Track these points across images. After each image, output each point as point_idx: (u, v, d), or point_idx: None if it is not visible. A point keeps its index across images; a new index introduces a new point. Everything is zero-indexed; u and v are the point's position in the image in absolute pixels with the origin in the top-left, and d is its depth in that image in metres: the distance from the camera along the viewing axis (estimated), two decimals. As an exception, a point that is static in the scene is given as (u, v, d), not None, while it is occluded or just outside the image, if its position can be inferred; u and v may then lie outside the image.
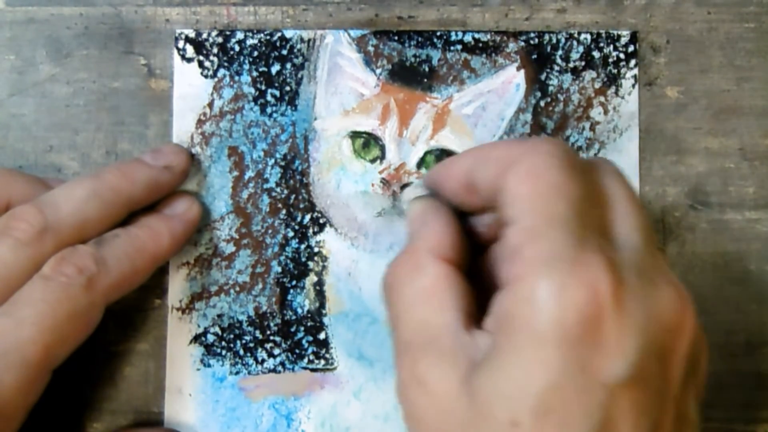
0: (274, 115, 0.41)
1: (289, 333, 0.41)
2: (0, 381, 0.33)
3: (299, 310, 0.41)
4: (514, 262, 0.28)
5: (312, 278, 0.41)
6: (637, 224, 0.31)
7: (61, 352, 0.35)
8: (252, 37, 0.41)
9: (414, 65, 0.41)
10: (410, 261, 0.32)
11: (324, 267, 0.41)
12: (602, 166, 0.33)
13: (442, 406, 0.29)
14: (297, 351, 0.41)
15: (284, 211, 0.41)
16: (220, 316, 0.41)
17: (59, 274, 0.35)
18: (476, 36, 0.41)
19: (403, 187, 0.41)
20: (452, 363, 0.29)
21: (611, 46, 0.41)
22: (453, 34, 0.41)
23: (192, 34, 0.41)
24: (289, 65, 0.41)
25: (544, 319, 0.27)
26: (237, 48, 0.41)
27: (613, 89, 0.41)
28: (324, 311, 0.41)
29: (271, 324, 0.41)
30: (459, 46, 0.41)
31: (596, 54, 0.41)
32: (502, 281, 0.29)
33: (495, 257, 0.34)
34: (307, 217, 0.41)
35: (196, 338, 0.41)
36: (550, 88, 0.41)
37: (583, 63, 0.41)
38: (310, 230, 0.41)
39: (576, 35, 0.41)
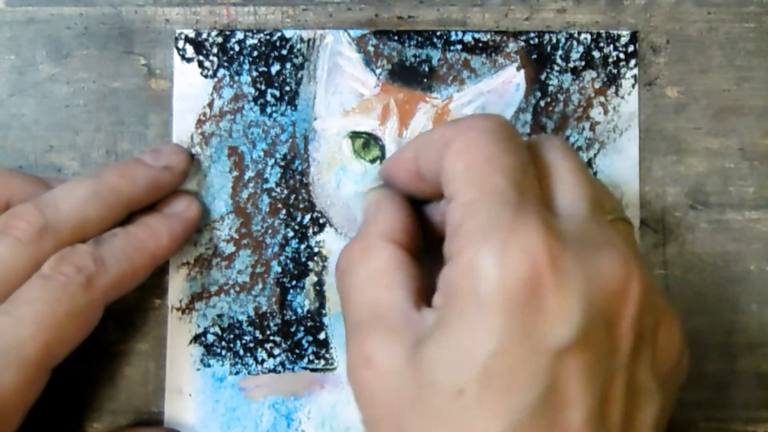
0: (274, 115, 0.41)
1: (289, 333, 0.41)
2: (0, 380, 0.33)
3: (299, 310, 0.41)
4: (456, 237, 0.29)
5: (312, 278, 0.41)
6: (581, 194, 0.31)
7: (60, 351, 0.35)
8: (252, 37, 0.41)
9: (414, 65, 0.41)
10: (361, 245, 0.33)
11: (324, 267, 0.41)
12: (545, 140, 0.33)
13: (390, 383, 0.29)
14: (297, 351, 0.41)
15: (284, 211, 0.41)
16: (220, 316, 0.41)
17: (58, 273, 0.35)
18: (476, 36, 0.41)
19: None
20: (399, 340, 0.29)
21: (611, 46, 0.41)
22: (453, 34, 0.41)
23: (192, 34, 0.41)
24: (289, 65, 0.41)
25: (485, 286, 0.27)
26: (237, 48, 0.41)
27: (613, 89, 0.41)
28: (324, 311, 0.41)
29: (271, 324, 0.41)
30: (459, 46, 0.41)
31: (596, 54, 0.41)
32: (446, 257, 0.29)
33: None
34: (307, 217, 0.41)
35: (196, 338, 0.41)
36: (550, 88, 0.41)
37: (583, 63, 0.41)
38: (310, 230, 0.41)
39: (576, 35, 0.41)
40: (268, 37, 0.41)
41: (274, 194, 0.41)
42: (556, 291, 0.27)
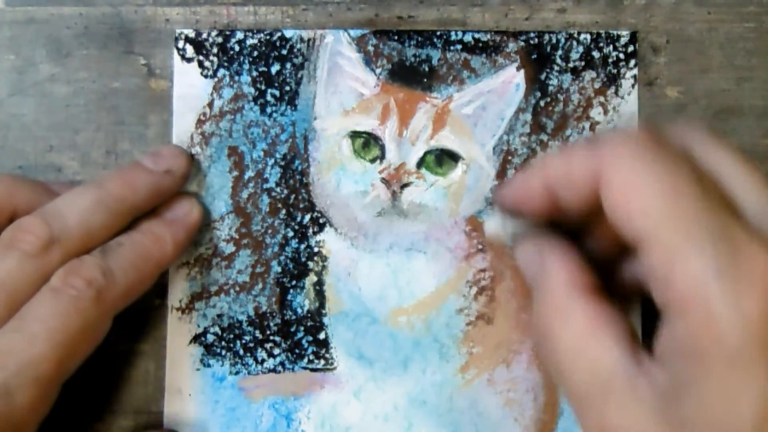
0: (274, 114, 0.41)
1: (288, 333, 0.41)
2: (14, 398, 0.33)
3: (299, 310, 0.41)
4: (669, 287, 0.26)
5: (312, 278, 0.41)
6: (754, 186, 0.28)
7: (72, 365, 0.36)
8: (252, 37, 0.41)
9: (414, 65, 0.41)
10: (553, 305, 0.30)
11: (324, 267, 0.41)
12: (688, 135, 0.30)
13: None
14: (297, 351, 0.41)
15: (284, 211, 0.41)
16: (219, 316, 0.41)
17: (68, 287, 0.35)
18: (476, 36, 0.41)
19: (403, 187, 0.41)
20: (640, 404, 0.27)
21: (611, 46, 0.41)
22: (453, 33, 0.41)
23: (192, 34, 0.41)
24: (288, 65, 0.41)
25: (733, 334, 0.25)
26: (237, 48, 0.41)
27: (612, 89, 0.41)
28: (324, 311, 0.41)
29: (271, 324, 0.41)
30: (459, 46, 0.41)
31: (596, 54, 0.41)
32: (660, 306, 0.27)
33: (628, 271, 0.32)
34: (307, 217, 0.41)
35: (196, 338, 0.41)
36: (550, 88, 0.41)
37: (582, 63, 0.41)
38: (310, 230, 0.41)
39: (576, 35, 0.41)
40: (268, 37, 0.41)
41: (274, 194, 0.41)
42: None
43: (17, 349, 0.34)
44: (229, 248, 0.41)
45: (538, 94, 0.41)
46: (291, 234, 0.41)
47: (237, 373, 0.41)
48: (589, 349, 0.29)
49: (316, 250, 0.41)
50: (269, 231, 0.41)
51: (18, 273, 0.35)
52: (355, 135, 0.41)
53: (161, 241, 0.38)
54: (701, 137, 0.30)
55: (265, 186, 0.41)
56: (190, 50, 0.41)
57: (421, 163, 0.41)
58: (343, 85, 0.41)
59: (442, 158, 0.41)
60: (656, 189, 0.27)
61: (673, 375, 0.27)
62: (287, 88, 0.41)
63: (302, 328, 0.41)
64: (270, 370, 0.41)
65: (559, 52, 0.41)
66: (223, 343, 0.41)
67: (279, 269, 0.41)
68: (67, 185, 0.40)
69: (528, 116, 0.41)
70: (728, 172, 0.28)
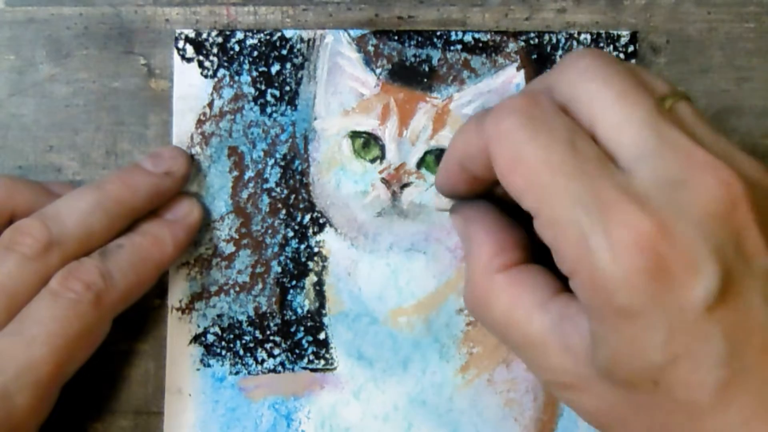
0: (274, 115, 0.41)
1: (288, 333, 0.41)
2: (13, 402, 0.33)
3: (299, 310, 0.41)
4: (556, 255, 0.28)
5: (312, 278, 0.41)
6: (630, 125, 0.28)
7: (71, 368, 0.36)
8: (252, 37, 0.41)
9: (414, 65, 0.41)
10: (474, 291, 0.32)
11: (324, 267, 0.41)
12: (561, 85, 0.31)
13: (594, 400, 0.29)
14: (297, 351, 0.41)
15: (284, 211, 0.41)
16: (219, 316, 0.41)
17: (67, 290, 0.35)
18: (476, 36, 0.41)
19: (403, 187, 0.41)
20: (571, 354, 0.29)
21: (611, 46, 0.41)
22: (453, 33, 0.41)
23: (192, 34, 0.41)
24: (288, 65, 0.41)
25: (619, 293, 0.26)
26: (237, 48, 0.41)
27: (613, 89, 0.41)
28: (324, 311, 0.41)
29: (271, 324, 0.41)
30: (459, 46, 0.41)
31: (596, 54, 0.41)
32: (565, 273, 0.29)
33: None
34: (307, 217, 0.41)
35: (196, 338, 0.41)
36: (550, 88, 0.41)
37: (583, 63, 0.41)
38: (310, 230, 0.41)
39: (576, 35, 0.41)
40: (268, 37, 0.41)
41: (274, 194, 0.41)
42: (678, 256, 0.26)
43: (16, 352, 0.34)
44: (229, 248, 0.41)
45: (538, 94, 0.41)
46: (291, 234, 0.41)
47: (237, 373, 0.41)
48: (517, 321, 0.31)
49: (316, 250, 0.41)
50: (269, 231, 0.41)
51: (17, 275, 0.35)
52: (355, 135, 0.41)
53: (161, 243, 0.38)
54: (575, 86, 0.30)
55: (265, 186, 0.41)
56: (190, 50, 0.41)
57: (421, 163, 0.41)
58: (343, 85, 0.41)
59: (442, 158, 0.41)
60: (534, 165, 0.28)
61: (589, 326, 0.28)
62: (287, 88, 0.41)
63: (302, 328, 0.41)
64: (270, 370, 0.41)
65: (560, 52, 0.41)
66: (223, 343, 0.41)
67: (279, 269, 0.41)
68: (67, 185, 0.40)
69: (528, 116, 0.41)
70: (602, 120, 0.29)
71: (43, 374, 0.34)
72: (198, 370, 0.41)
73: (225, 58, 0.41)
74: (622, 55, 0.41)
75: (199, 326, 0.41)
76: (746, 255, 0.27)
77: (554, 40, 0.41)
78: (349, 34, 0.41)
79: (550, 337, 0.30)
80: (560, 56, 0.41)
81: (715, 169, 0.27)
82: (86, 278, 0.35)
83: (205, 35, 0.41)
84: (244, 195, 0.41)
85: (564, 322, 0.29)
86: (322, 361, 0.41)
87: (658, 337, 0.26)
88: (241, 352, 0.41)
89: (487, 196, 0.35)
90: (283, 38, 0.41)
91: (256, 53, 0.41)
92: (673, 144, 0.28)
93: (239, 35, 0.41)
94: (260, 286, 0.41)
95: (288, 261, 0.41)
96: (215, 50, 0.41)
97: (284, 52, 0.41)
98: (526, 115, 0.29)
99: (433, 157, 0.41)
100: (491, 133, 0.30)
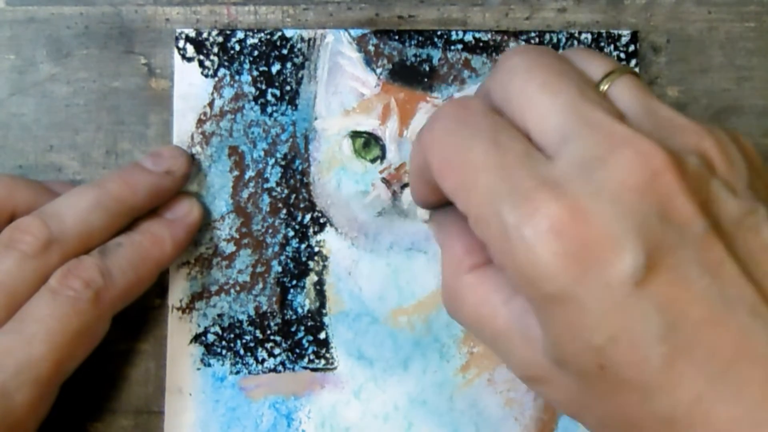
0: (275, 114, 0.41)
1: (289, 333, 0.41)
2: (12, 400, 0.33)
3: (299, 310, 0.41)
4: (490, 251, 0.28)
5: (312, 278, 0.41)
6: (553, 112, 0.28)
7: (70, 366, 0.36)
8: (252, 37, 0.41)
9: (414, 65, 0.41)
10: (447, 291, 0.33)
11: (324, 267, 0.41)
12: (493, 85, 0.31)
13: (556, 386, 0.29)
14: (297, 351, 0.41)
15: (284, 211, 0.41)
16: (220, 315, 0.41)
17: (66, 288, 0.35)
18: (477, 35, 0.41)
19: (404, 186, 0.41)
20: (532, 346, 0.29)
21: (611, 46, 0.41)
22: (453, 33, 0.41)
23: (192, 34, 0.41)
24: (289, 65, 0.41)
25: (544, 283, 0.26)
26: (237, 47, 0.41)
27: (613, 89, 0.41)
28: (324, 311, 0.41)
29: (272, 324, 0.41)
30: (459, 46, 0.41)
31: (597, 54, 0.41)
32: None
33: None
34: (308, 216, 0.41)
35: (197, 338, 0.41)
36: (551, 88, 0.41)
37: (583, 63, 0.41)
38: (311, 230, 0.41)
39: (576, 35, 0.41)
40: (268, 36, 0.41)
41: (274, 194, 0.41)
42: (597, 236, 0.26)
43: (16, 350, 0.34)
44: (230, 248, 0.41)
45: (539, 93, 0.41)
46: (291, 234, 0.41)
47: (237, 372, 0.41)
48: (485, 317, 0.31)
49: (316, 249, 0.41)
50: (270, 231, 0.41)
51: (17, 273, 0.35)
52: (355, 135, 0.41)
53: (160, 241, 0.38)
54: (504, 86, 0.30)
55: (265, 186, 0.41)
56: (190, 50, 0.41)
57: (421, 163, 0.41)
58: (344, 84, 0.41)
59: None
60: (457, 165, 0.29)
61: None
62: (288, 87, 0.41)
63: (303, 328, 0.41)
64: (270, 370, 0.41)
65: (560, 51, 0.41)
66: (224, 342, 0.41)
67: (279, 269, 0.41)
68: (68, 185, 0.40)
69: (528, 116, 0.41)
70: (529, 114, 0.29)
71: (42, 372, 0.34)
72: (198, 369, 0.41)
73: (225, 58, 0.41)
74: (622, 55, 0.41)
75: (199, 326, 0.41)
76: (676, 224, 0.26)
77: (555, 40, 0.41)
78: (349, 34, 0.41)
79: (514, 331, 0.30)
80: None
81: (632, 143, 0.27)
82: (85, 276, 0.35)
83: (205, 35, 0.41)
84: (245, 194, 0.41)
85: (525, 316, 0.29)
86: (323, 361, 0.41)
87: (592, 318, 0.26)
88: (242, 352, 0.41)
89: None
90: (283, 38, 0.41)
91: (256, 53, 0.41)
92: (594, 124, 0.27)
93: (240, 35, 0.41)
94: (261, 285, 0.41)
95: (288, 260, 0.41)
96: (216, 50, 0.41)
97: (285, 51, 0.41)
98: (453, 119, 0.30)
99: (433, 157, 0.41)
100: (424, 141, 0.30)
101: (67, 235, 0.36)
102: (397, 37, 0.41)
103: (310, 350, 0.41)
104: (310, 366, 0.41)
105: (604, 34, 0.41)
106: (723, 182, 0.27)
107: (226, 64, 0.41)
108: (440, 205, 0.34)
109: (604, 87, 0.30)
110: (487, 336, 0.31)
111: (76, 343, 0.35)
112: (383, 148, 0.41)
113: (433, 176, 0.30)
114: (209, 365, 0.41)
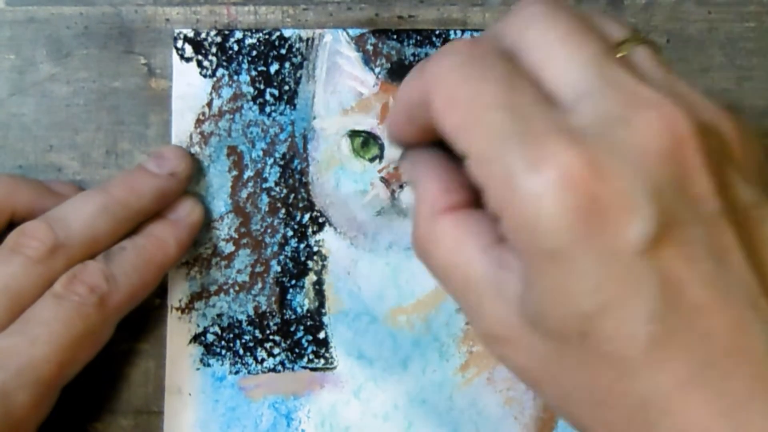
0: (273, 114, 0.41)
1: (288, 332, 0.41)
2: (14, 399, 0.33)
3: (299, 310, 0.41)
4: (487, 196, 0.27)
5: (311, 277, 0.41)
6: (573, 65, 0.27)
7: (73, 369, 0.36)
8: (251, 37, 0.41)
9: (413, 64, 0.41)
10: (419, 231, 0.31)
11: (323, 266, 0.41)
12: (498, 31, 0.29)
13: (524, 348, 0.27)
14: (297, 350, 0.41)
15: (283, 211, 0.41)
16: (219, 315, 0.41)
17: (71, 293, 0.35)
18: (475, 35, 0.41)
19: (403, 186, 0.41)
20: (505, 303, 0.27)
21: (611, 45, 0.41)
22: (452, 33, 0.41)
23: (191, 34, 0.41)
24: (287, 64, 0.41)
25: (548, 235, 0.25)
26: (236, 47, 0.41)
27: (612, 88, 0.41)
28: (323, 310, 0.41)
29: (271, 323, 0.41)
30: (458, 45, 0.41)
31: (595, 53, 0.41)
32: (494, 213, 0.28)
33: None
34: (307, 216, 0.41)
35: (196, 338, 0.41)
36: (549, 87, 0.41)
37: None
38: (310, 229, 0.41)
39: (575, 34, 0.41)
40: (266, 36, 0.41)
41: (273, 193, 0.41)
42: (611, 195, 0.24)
43: (18, 350, 0.34)
44: (229, 248, 0.41)
45: (538, 93, 0.41)
46: (290, 233, 0.41)
47: (237, 372, 0.41)
48: (458, 264, 0.29)
49: (315, 249, 0.41)
50: (269, 230, 0.41)
51: (22, 278, 0.35)
52: (354, 134, 0.41)
53: (164, 244, 0.38)
54: (520, 32, 0.29)
55: (264, 185, 0.41)
56: (189, 50, 0.41)
57: (420, 163, 0.41)
58: (342, 84, 0.41)
59: (442, 157, 0.41)
60: (467, 104, 0.27)
61: (519, 273, 0.27)
62: (286, 87, 0.41)
63: (302, 328, 0.41)
64: (270, 370, 0.41)
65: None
66: (223, 342, 0.41)
67: (278, 269, 0.41)
68: (68, 185, 0.40)
69: (527, 115, 0.41)
70: (546, 63, 0.27)
71: (44, 373, 0.34)
72: (198, 369, 0.41)
73: (224, 58, 0.41)
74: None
75: (198, 326, 0.41)
76: (691, 198, 0.25)
77: (554, 39, 0.41)
78: (347, 34, 0.41)
79: (486, 283, 0.28)
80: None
81: (660, 105, 0.25)
82: (90, 281, 0.35)
83: (203, 35, 0.41)
84: (244, 194, 0.41)
85: (502, 269, 0.28)
86: (322, 361, 0.41)
87: (588, 282, 0.24)
88: (241, 352, 0.41)
89: (437, 145, 0.33)
90: (282, 37, 0.41)
91: (255, 53, 0.41)
92: (618, 83, 0.26)
93: (238, 35, 0.41)
94: (260, 285, 0.41)
95: (287, 260, 0.41)
96: (214, 50, 0.41)
97: (283, 51, 0.41)
98: (465, 55, 0.28)
99: (432, 156, 0.41)
100: (429, 75, 0.28)
101: (73, 241, 0.36)
102: (395, 37, 0.41)
103: (309, 350, 0.41)
104: (310, 366, 0.41)
105: (603, 34, 0.41)
106: (738, 168, 0.26)
107: (224, 64, 0.41)
108: (416, 145, 0.33)
109: (624, 52, 0.28)
110: (457, 286, 0.29)
111: (79, 347, 0.35)
112: (382, 148, 0.41)
113: (430, 113, 0.28)
114: (209, 365, 0.41)
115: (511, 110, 0.26)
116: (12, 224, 0.37)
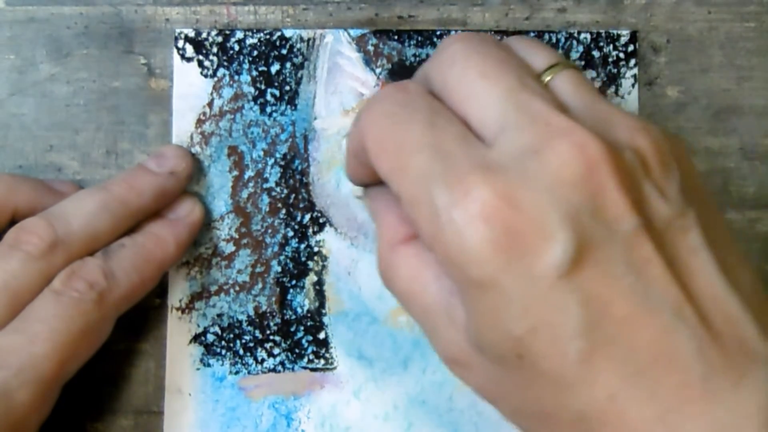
0: (274, 114, 0.41)
1: (288, 332, 0.41)
2: (15, 398, 0.33)
3: (299, 310, 0.41)
4: (419, 232, 0.28)
5: (312, 278, 0.41)
6: (492, 100, 0.28)
7: (73, 367, 0.36)
8: (252, 37, 0.41)
9: (414, 65, 0.41)
10: (382, 262, 0.32)
11: (324, 266, 0.41)
12: (430, 71, 0.31)
13: (477, 372, 0.29)
14: (297, 350, 0.41)
15: (284, 211, 0.41)
16: (219, 315, 0.41)
17: (71, 290, 0.35)
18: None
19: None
20: (456, 330, 0.29)
21: (611, 46, 0.41)
22: (452, 32, 0.41)
23: (191, 34, 0.41)
24: (288, 65, 0.41)
25: (471, 267, 0.26)
26: (236, 47, 0.41)
27: (612, 89, 0.41)
28: (324, 311, 0.41)
29: (271, 323, 0.41)
30: (459, 46, 0.41)
31: (596, 53, 0.41)
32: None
33: None
34: (307, 216, 0.41)
35: (196, 338, 0.41)
36: (550, 88, 0.41)
37: (582, 62, 0.41)
38: (310, 230, 0.41)
39: (575, 34, 0.41)
40: (267, 36, 0.41)
41: (273, 194, 0.41)
42: (526, 225, 0.25)
43: (18, 348, 0.34)
44: (229, 248, 0.41)
45: (538, 93, 0.41)
46: (291, 234, 0.41)
47: (237, 372, 0.41)
48: (416, 291, 0.31)
49: (316, 249, 0.41)
50: (269, 231, 0.41)
51: (21, 274, 0.35)
52: (354, 134, 0.41)
53: (163, 242, 0.38)
54: (444, 73, 0.30)
55: (264, 186, 0.41)
56: (189, 50, 0.41)
57: (421, 163, 0.41)
58: (343, 84, 0.41)
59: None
60: (392, 146, 0.28)
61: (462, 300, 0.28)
62: (287, 87, 0.41)
63: (302, 328, 0.41)
64: (270, 370, 0.41)
65: (559, 51, 0.41)
66: (223, 342, 0.41)
67: (279, 269, 0.41)
68: (68, 183, 0.40)
69: (528, 116, 0.41)
70: (467, 102, 0.29)
71: (45, 371, 0.34)
72: (198, 369, 0.41)
73: (225, 58, 0.41)
74: (621, 55, 0.41)
75: (199, 326, 0.41)
76: (607, 220, 0.26)
77: (554, 39, 0.41)
78: (348, 34, 0.41)
79: (441, 311, 0.30)
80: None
81: (570, 133, 0.27)
82: (89, 277, 0.35)
83: (204, 35, 0.41)
84: (244, 194, 0.41)
85: (452, 296, 0.29)
86: (322, 361, 0.41)
87: (514, 308, 0.26)
88: (241, 352, 0.41)
89: None
90: (282, 38, 0.41)
91: (255, 53, 0.41)
92: (532, 114, 0.27)
93: (239, 35, 0.41)
94: (260, 285, 0.41)
95: (288, 260, 0.41)
96: (215, 50, 0.41)
97: (284, 51, 0.41)
98: (391, 101, 0.30)
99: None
100: (362, 123, 0.30)
101: (73, 237, 0.36)
102: (396, 37, 0.41)
103: (309, 350, 0.41)
104: (310, 366, 0.41)
105: (603, 34, 0.41)
106: (655, 182, 0.27)
107: (225, 64, 0.41)
108: (373, 183, 0.34)
109: (546, 78, 0.30)
110: (417, 311, 0.31)
111: (79, 344, 0.35)
112: (382, 148, 0.41)
113: (368, 158, 0.30)
114: (209, 365, 0.41)
115: (435, 150, 0.27)
116: (13, 223, 0.37)
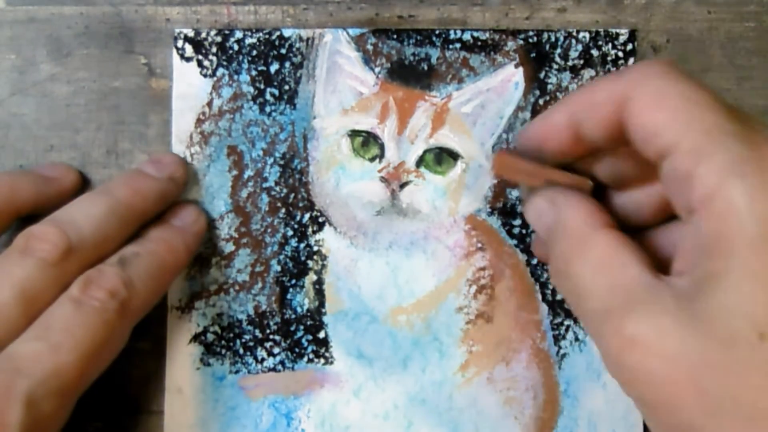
0: (273, 114, 0.41)
1: (288, 332, 0.41)
2: (40, 409, 0.33)
3: (299, 309, 0.41)
4: (692, 188, 0.27)
5: (311, 277, 0.41)
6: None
7: (92, 376, 0.36)
8: (251, 36, 0.41)
9: (413, 64, 0.41)
10: (571, 241, 0.31)
11: (323, 266, 0.41)
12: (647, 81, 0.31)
13: (669, 354, 0.27)
14: (296, 350, 0.41)
15: (283, 210, 0.41)
16: (219, 315, 0.41)
17: (90, 298, 0.35)
18: (475, 34, 0.41)
19: (403, 185, 0.41)
20: (660, 310, 0.27)
21: (610, 45, 0.41)
22: (452, 32, 0.41)
23: (191, 34, 0.41)
24: (288, 64, 0.41)
25: (754, 223, 0.26)
26: (236, 47, 0.41)
27: (612, 88, 0.41)
28: (323, 310, 0.41)
29: (271, 323, 0.41)
30: (458, 45, 0.41)
31: (595, 52, 0.41)
32: (683, 210, 0.28)
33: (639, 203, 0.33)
34: (307, 215, 0.41)
35: (196, 337, 0.41)
36: (549, 87, 0.41)
37: (581, 61, 0.41)
38: (310, 229, 0.41)
39: (575, 33, 0.41)
40: (267, 36, 0.41)
41: (273, 193, 0.41)
42: None
43: (42, 357, 0.33)
44: (229, 247, 0.41)
45: (537, 92, 0.41)
46: (290, 233, 0.41)
47: (237, 372, 0.41)
48: (610, 269, 0.30)
49: (315, 248, 0.41)
50: (269, 230, 0.41)
51: (37, 280, 0.35)
52: (354, 134, 0.41)
53: (175, 250, 0.38)
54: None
55: (264, 185, 0.41)
56: (189, 49, 0.41)
57: (420, 162, 0.41)
58: (342, 84, 0.41)
59: (442, 157, 0.41)
60: (680, 101, 0.28)
61: (695, 276, 0.27)
62: (286, 87, 0.41)
63: (302, 327, 0.41)
64: (270, 369, 0.41)
65: (558, 50, 0.41)
66: (223, 342, 0.41)
67: (278, 268, 0.41)
68: (61, 165, 0.40)
69: (527, 114, 0.41)
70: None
71: (68, 381, 0.34)
72: (198, 369, 0.41)
73: (224, 58, 0.41)
74: (620, 54, 0.41)
75: (198, 325, 0.41)
76: None
77: (553, 39, 0.41)
78: (348, 33, 0.41)
79: (642, 286, 0.29)
80: (559, 54, 0.41)
81: None
82: (109, 287, 0.35)
83: (204, 34, 0.41)
84: (244, 194, 0.41)
85: (658, 279, 0.29)
86: (322, 360, 0.41)
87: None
88: (241, 351, 0.41)
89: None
90: (282, 37, 0.41)
91: (255, 52, 0.41)
92: None
93: (238, 34, 0.41)
94: (260, 285, 0.41)
95: (287, 260, 0.41)
96: (214, 49, 0.41)
97: (283, 51, 0.41)
98: (671, 66, 0.30)
99: (432, 156, 0.41)
100: (635, 75, 0.30)
101: (85, 244, 0.36)
102: (395, 36, 0.41)
103: (309, 349, 0.41)
104: (310, 365, 0.41)
105: (602, 33, 0.41)
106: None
107: (224, 63, 0.41)
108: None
109: None
110: (593, 289, 0.30)
111: (100, 354, 0.35)
112: (382, 147, 0.41)
113: (605, 129, 0.31)
114: (209, 365, 0.41)
115: (730, 119, 0.28)
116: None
